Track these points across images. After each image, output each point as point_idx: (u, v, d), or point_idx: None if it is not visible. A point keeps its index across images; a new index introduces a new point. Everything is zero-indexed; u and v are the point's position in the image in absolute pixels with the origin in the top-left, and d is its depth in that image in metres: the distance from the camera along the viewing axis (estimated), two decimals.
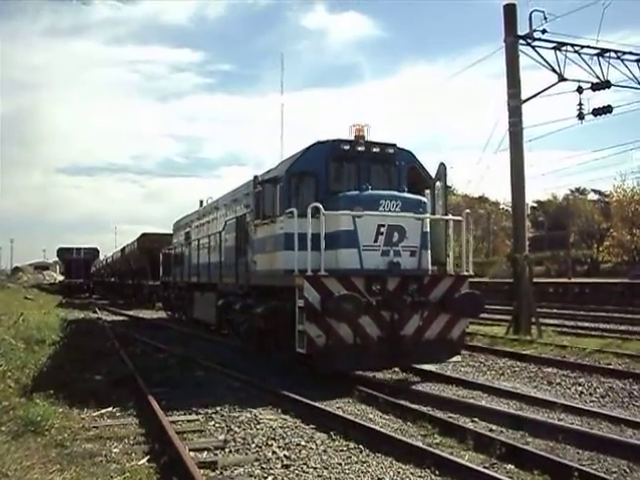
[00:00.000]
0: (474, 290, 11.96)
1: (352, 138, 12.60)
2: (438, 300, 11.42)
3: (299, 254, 10.86)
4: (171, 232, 27.42)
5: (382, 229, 11.28)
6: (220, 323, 17.20)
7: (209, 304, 18.12)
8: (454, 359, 12.02)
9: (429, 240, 12.00)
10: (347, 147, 12.34)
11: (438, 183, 13.20)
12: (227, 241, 16.42)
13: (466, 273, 12.28)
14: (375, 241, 11.27)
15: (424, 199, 12.29)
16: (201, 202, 22.30)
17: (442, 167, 13.36)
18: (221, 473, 6.17)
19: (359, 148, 12.41)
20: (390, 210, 11.43)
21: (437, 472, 6.05)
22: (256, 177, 13.66)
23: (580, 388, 10.46)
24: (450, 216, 12.76)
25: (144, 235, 35.99)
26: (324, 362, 10.72)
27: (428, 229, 11.99)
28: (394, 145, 12.89)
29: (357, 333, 10.78)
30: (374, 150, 12.56)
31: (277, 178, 12.48)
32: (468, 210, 13.42)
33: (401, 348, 11.02)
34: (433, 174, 13.08)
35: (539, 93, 19.51)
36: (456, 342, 11.70)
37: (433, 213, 12.75)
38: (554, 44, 19.24)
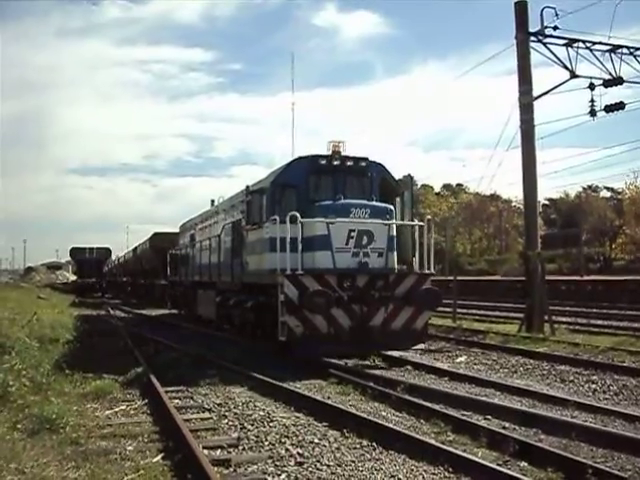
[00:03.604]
0: (434, 287, 13.54)
1: (330, 153, 14.19)
2: (403, 295, 13.05)
3: (281, 255, 12.54)
4: None
5: (353, 234, 12.98)
6: (220, 318, 18.53)
7: (210, 301, 19.63)
8: (418, 346, 13.74)
9: (395, 243, 13.65)
10: (324, 162, 14.04)
11: (406, 192, 14.96)
12: (225, 243, 17.99)
13: (427, 271, 13.71)
14: (346, 244, 12.97)
15: (391, 207, 13.84)
16: (212, 201, 22.42)
17: (409, 178, 15.42)
18: (235, 470, 6.19)
19: (335, 162, 14.08)
20: (360, 217, 13.12)
21: (450, 469, 6.05)
22: (248, 187, 15.48)
23: (593, 386, 10.42)
24: (415, 222, 14.50)
25: (156, 234, 36.11)
26: (301, 349, 12.47)
27: (394, 233, 13.65)
28: (366, 159, 14.55)
29: (331, 323, 12.44)
30: (348, 164, 14.19)
31: (263, 189, 14.35)
32: (429, 216, 14.97)
33: (370, 337, 12.69)
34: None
35: (551, 90, 19.47)
36: (420, 331, 13.37)
37: (402, 219, 14.57)
38: (566, 41, 19.16)
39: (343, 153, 14.31)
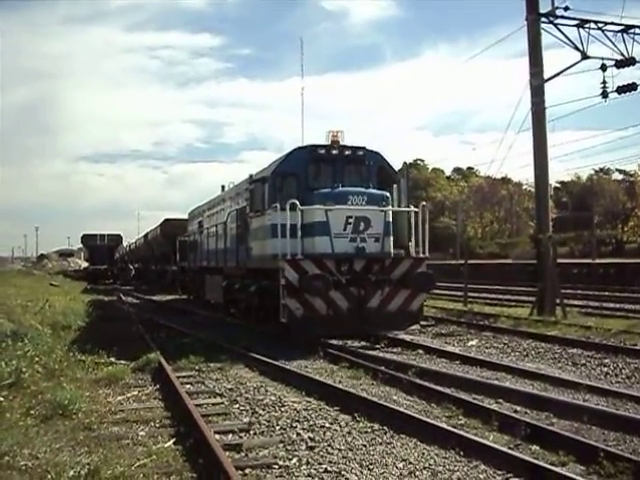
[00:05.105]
0: (428, 270, 14.18)
1: (328, 143, 14.66)
2: (399, 278, 13.62)
3: (282, 241, 13.19)
4: None
5: (350, 220, 13.50)
6: (227, 302, 19.03)
7: (217, 286, 20.19)
8: (413, 327, 14.43)
9: (391, 228, 14.11)
10: (323, 151, 14.62)
11: (402, 179, 15.48)
12: (231, 230, 18.59)
13: (422, 255, 14.29)
14: (344, 230, 13.48)
15: (387, 194, 14.33)
16: (223, 187, 22.43)
17: (405, 166, 16.02)
18: (246, 455, 6.20)
19: (333, 151, 14.61)
20: (357, 204, 13.59)
21: (462, 453, 6.04)
22: (251, 176, 16.08)
23: (605, 369, 10.37)
24: (412, 208, 14.71)
25: (167, 221, 36.23)
26: (301, 330, 13.04)
27: (390, 219, 14.10)
28: (364, 148, 15.13)
29: (329, 306, 13.03)
30: (346, 153, 14.77)
31: (265, 178, 14.94)
32: (424, 203, 15.07)
33: (367, 318, 13.23)
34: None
35: (562, 72, 19.27)
36: (415, 313, 13.98)
37: (399, 205, 15.10)
38: (577, 21, 18.92)
39: (342, 142, 14.79)
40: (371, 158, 15.13)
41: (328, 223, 13.39)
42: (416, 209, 14.52)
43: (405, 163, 16.04)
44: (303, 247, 13.21)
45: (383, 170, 15.28)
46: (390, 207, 14.23)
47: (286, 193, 14.01)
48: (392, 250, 14.17)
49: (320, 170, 14.77)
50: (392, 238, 14.17)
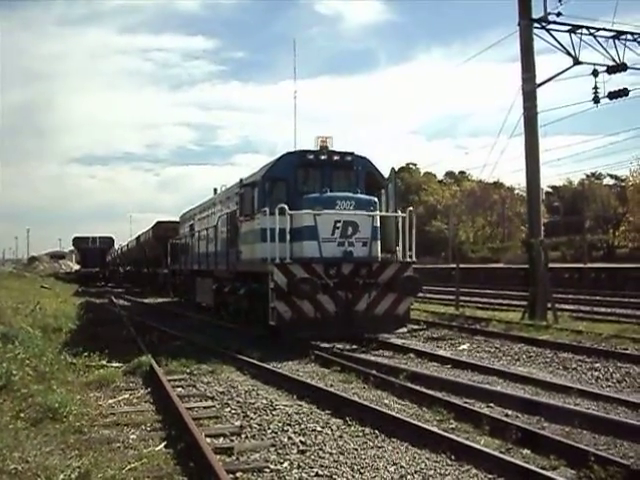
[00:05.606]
0: (415, 274, 14.46)
1: (317, 148, 15.00)
2: (386, 282, 13.81)
3: (271, 245, 13.31)
4: None
5: (338, 224, 13.71)
6: (217, 305, 19.26)
7: (208, 289, 20.45)
8: (400, 330, 14.45)
9: (379, 233, 14.36)
10: (312, 156, 14.86)
11: (390, 185, 15.65)
12: (221, 233, 18.87)
13: (409, 260, 14.55)
14: (332, 234, 13.70)
15: (374, 199, 14.53)
16: (215, 190, 22.41)
17: (392, 171, 16.17)
18: (237, 459, 6.20)
19: (322, 157, 14.87)
20: (345, 209, 13.81)
21: (453, 457, 6.05)
22: (241, 180, 16.25)
23: (596, 373, 10.40)
24: (399, 213, 14.99)
25: (159, 223, 36.15)
26: (290, 332, 13.26)
27: (378, 224, 14.34)
28: (352, 153, 15.34)
29: (317, 309, 13.24)
30: (335, 158, 15.00)
31: (255, 183, 15.20)
32: (411, 208, 15.25)
33: (354, 321, 13.46)
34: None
35: (554, 77, 19.32)
36: (402, 316, 14.17)
37: (386, 210, 15.24)
38: (569, 27, 18.97)
39: (331, 148, 15.07)
40: (359, 163, 15.36)
41: (316, 227, 13.61)
42: (403, 214, 14.78)
43: (393, 169, 16.28)
44: (292, 251, 13.53)
45: (371, 175, 15.53)
46: (378, 212, 14.41)
47: (275, 197, 14.25)
48: (379, 254, 14.39)
49: (309, 175, 15.04)
50: (379, 242, 14.39)
